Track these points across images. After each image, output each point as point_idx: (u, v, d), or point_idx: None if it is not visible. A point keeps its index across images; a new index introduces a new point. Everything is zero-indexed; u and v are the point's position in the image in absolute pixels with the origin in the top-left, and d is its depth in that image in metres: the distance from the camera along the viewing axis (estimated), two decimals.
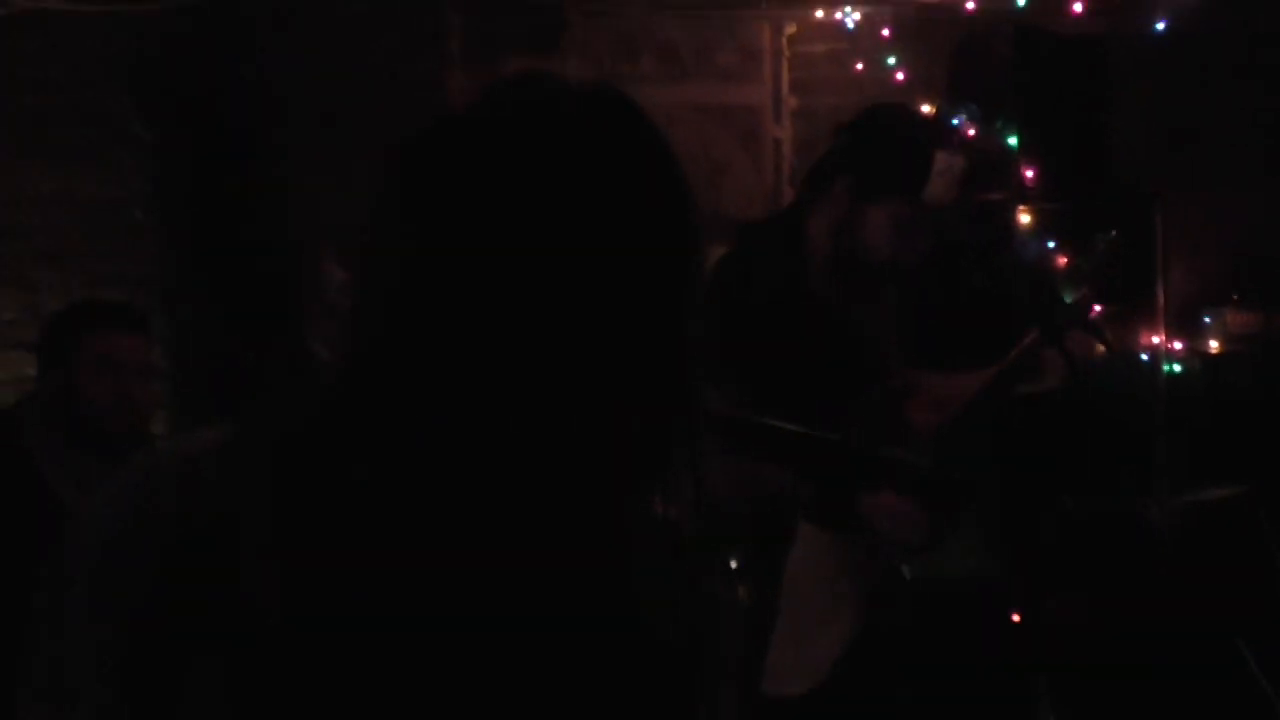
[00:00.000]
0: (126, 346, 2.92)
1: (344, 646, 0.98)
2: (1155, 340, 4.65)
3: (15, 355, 4.06)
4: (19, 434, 2.90)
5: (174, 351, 4.34)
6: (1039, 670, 3.34)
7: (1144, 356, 4.68)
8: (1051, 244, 4.44)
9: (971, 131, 4.45)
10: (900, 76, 4.60)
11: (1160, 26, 4.16)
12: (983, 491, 3.07)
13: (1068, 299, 3.18)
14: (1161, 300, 4.72)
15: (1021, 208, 4.51)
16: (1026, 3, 4.17)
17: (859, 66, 4.68)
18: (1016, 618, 3.44)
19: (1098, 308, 3.22)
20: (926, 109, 4.50)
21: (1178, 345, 4.68)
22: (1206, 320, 4.74)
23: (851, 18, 4.59)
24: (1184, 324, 4.74)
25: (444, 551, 0.99)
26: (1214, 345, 4.70)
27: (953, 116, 4.55)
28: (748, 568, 2.94)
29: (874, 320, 3.04)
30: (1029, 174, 4.46)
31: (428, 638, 0.99)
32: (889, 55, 4.61)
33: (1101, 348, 3.23)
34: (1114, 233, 3.21)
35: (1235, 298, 4.75)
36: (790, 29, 4.84)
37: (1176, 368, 4.66)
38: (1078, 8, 4.08)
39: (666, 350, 1.04)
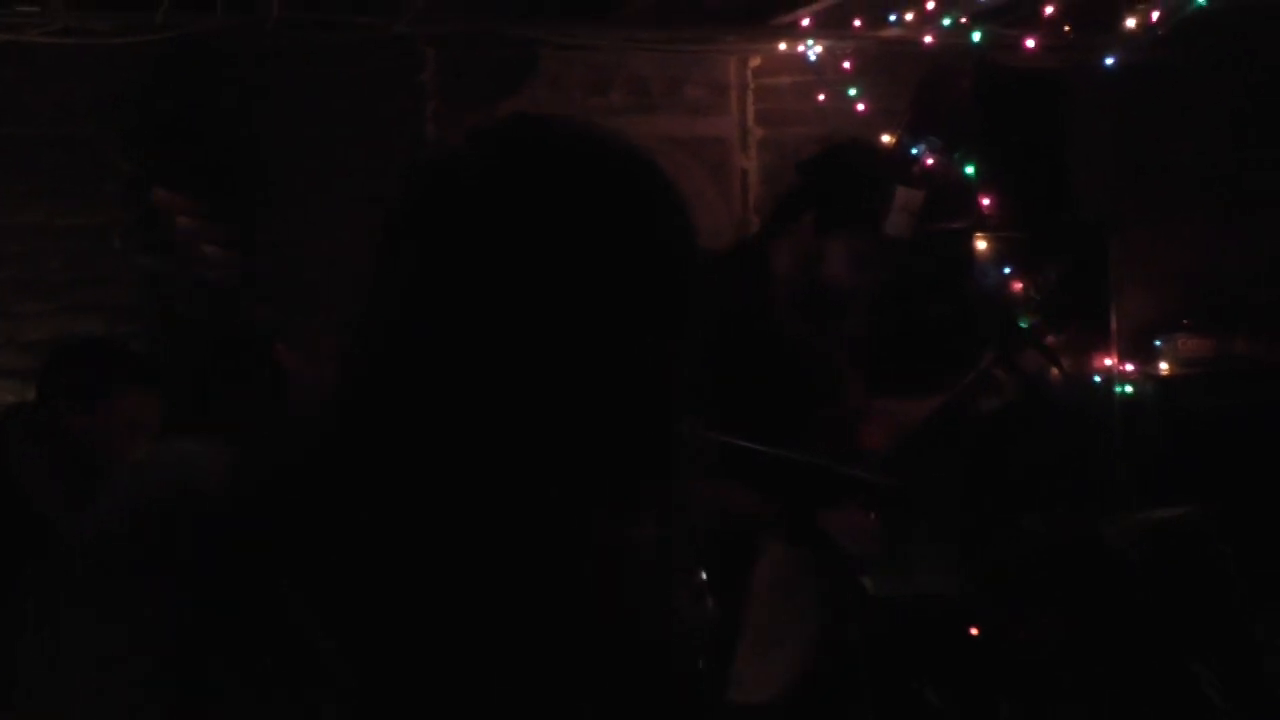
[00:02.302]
0: (152, 407, 2.90)
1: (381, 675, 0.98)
2: (1109, 363, 4.66)
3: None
4: (4, 451, 2.87)
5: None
6: (999, 686, 3.33)
7: (1097, 379, 4.69)
8: (1008, 270, 4.45)
9: (930, 161, 4.46)
10: (861, 108, 4.61)
11: (1109, 62, 4.17)
12: (939, 510, 3.06)
13: (1023, 324, 3.20)
14: (1115, 325, 4.73)
15: (979, 235, 4.53)
16: (983, 38, 4.17)
17: (822, 98, 4.68)
18: (974, 631, 3.43)
19: (1049, 334, 3.24)
20: (887, 139, 4.51)
21: (1130, 368, 4.70)
22: (1158, 344, 4.75)
23: (814, 50, 4.59)
24: (1137, 348, 4.76)
25: (444, 578, 1.00)
26: (1165, 368, 4.71)
27: (913, 147, 4.56)
28: (714, 581, 2.94)
29: (832, 347, 3.05)
30: (986, 202, 4.47)
31: (440, 660, 0.99)
32: (851, 87, 4.61)
33: (1055, 371, 3.24)
34: (1065, 262, 3.24)
35: (1186, 323, 4.76)
36: (755, 61, 4.83)
37: (1129, 389, 4.67)
38: (1030, 44, 4.09)
39: (654, 381, 1.05)
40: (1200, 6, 3.71)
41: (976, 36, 4.16)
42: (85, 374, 2.90)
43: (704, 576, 3.03)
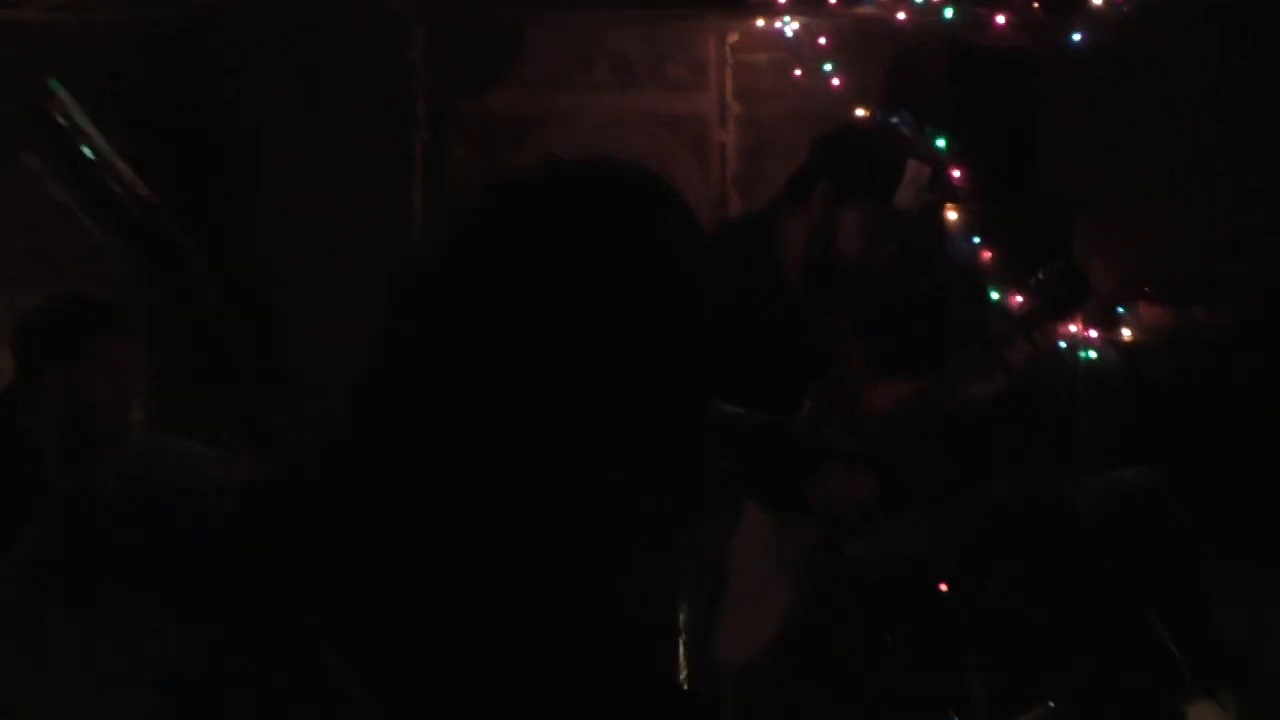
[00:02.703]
0: (130, 353, 2.90)
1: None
2: (1074, 330, 4.69)
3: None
4: (12, 418, 2.87)
5: (150, 347, 4.30)
6: (968, 642, 3.36)
7: (1063, 344, 4.72)
8: (977, 240, 4.48)
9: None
10: (837, 83, 4.61)
11: (1076, 39, 4.18)
12: (916, 476, 3.08)
13: (996, 298, 3.23)
14: None
15: (949, 207, 4.55)
16: (954, 15, 4.18)
17: (798, 74, 4.69)
18: (944, 587, 3.47)
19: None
20: (861, 113, 4.52)
21: (1094, 334, 4.73)
22: (1121, 312, 4.78)
23: (790, 27, 4.60)
24: (1100, 315, 4.79)
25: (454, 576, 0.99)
26: (1127, 335, 4.74)
27: (887, 121, 4.57)
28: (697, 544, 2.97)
29: (837, 317, 3.06)
30: (956, 175, 4.49)
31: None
32: (826, 63, 4.62)
33: (1029, 348, 3.26)
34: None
35: (1148, 292, 4.79)
36: (733, 38, 4.84)
37: (1093, 355, 4.70)
38: (1000, 20, 4.10)
39: (671, 377, 1.06)
40: None
41: (949, 14, 4.16)
42: (59, 331, 2.88)
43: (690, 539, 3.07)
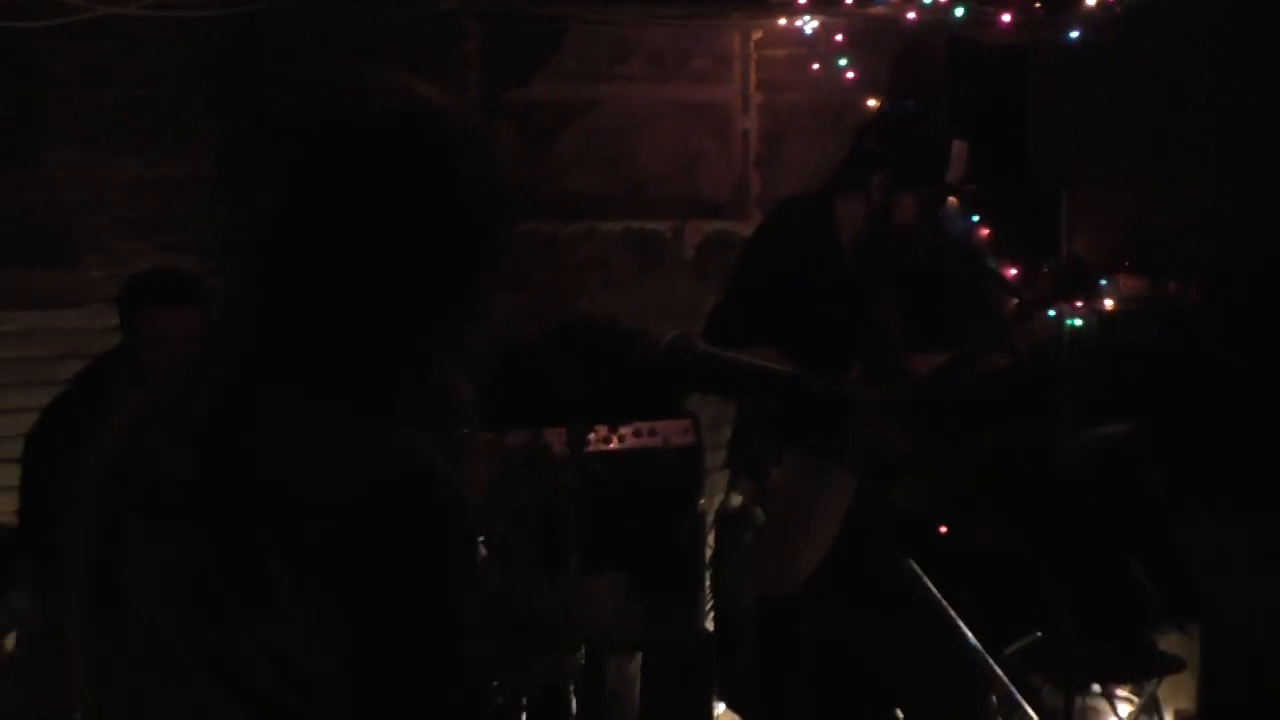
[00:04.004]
0: (179, 320, 2.86)
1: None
2: (1060, 300, 4.71)
3: (100, 308, 4.05)
4: (105, 384, 2.90)
5: None
6: (961, 578, 3.39)
7: (1051, 313, 4.73)
8: (975, 218, 4.49)
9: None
10: (850, 76, 4.62)
11: (1074, 35, 4.17)
12: (943, 433, 3.11)
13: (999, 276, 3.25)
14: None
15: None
16: (964, 14, 4.17)
17: (815, 67, 4.68)
18: (943, 530, 3.49)
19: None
20: (872, 103, 4.52)
21: (1078, 304, 4.74)
22: (1103, 284, 4.79)
23: (810, 25, 4.59)
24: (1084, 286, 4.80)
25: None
26: (1109, 304, 4.75)
27: (894, 110, 4.56)
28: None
29: (884, 293, 3.09)
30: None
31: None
32: (841, 58, 4.62)
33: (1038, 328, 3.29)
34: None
35: (1127, 265, 4.80)
36: (757, 35, 4.83)
37: (1077, 322, 4.71)
38: (1006, 18, 4.09)
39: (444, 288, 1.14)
40: None
41: (959, 12, 4.15)
42: (122, 301, 2.94)
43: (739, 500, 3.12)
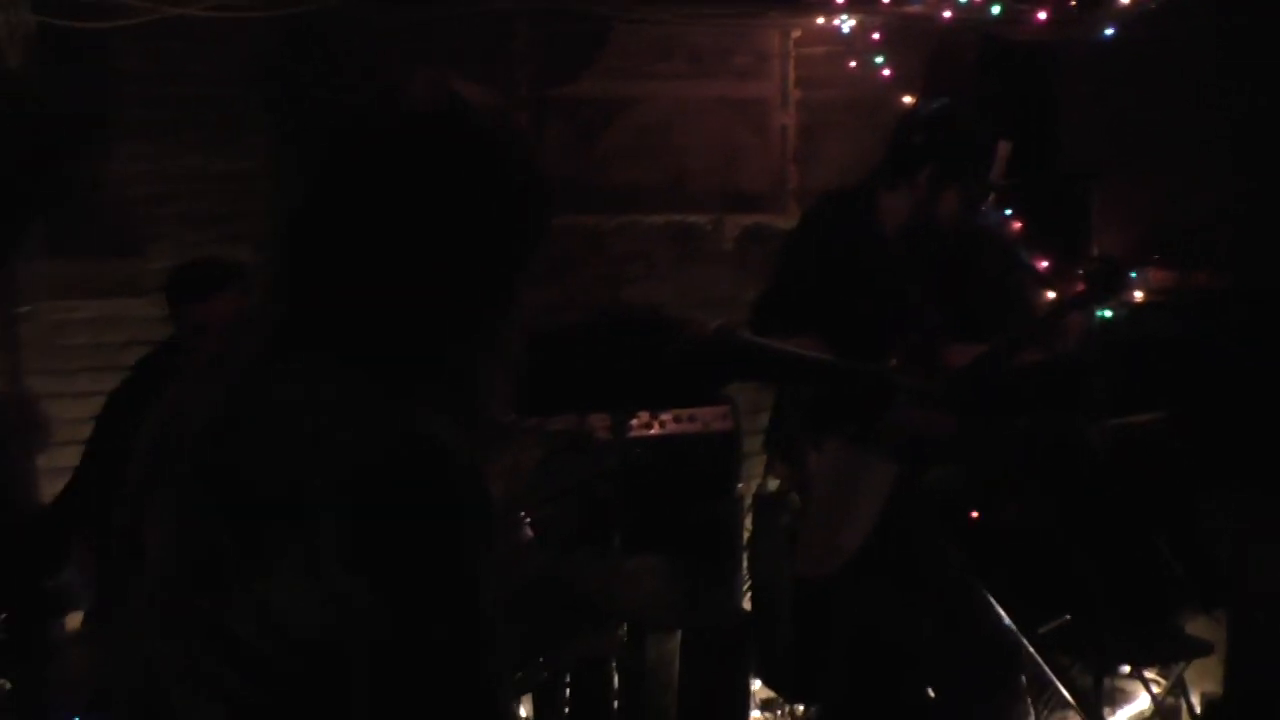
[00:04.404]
0: (216, 309, 2.88)
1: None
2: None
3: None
4: (166, 370, 2.90)
5: None
6: (994, 557, 3.36)
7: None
8: (1008, 212, 4.43)
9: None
10: (886, 73, 4.57)
11: (1109, 33, 4.10)
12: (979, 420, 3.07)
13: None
14: (1096, 259, 4.71)
15: None
16: (1000, 12, 4.11)
17: (852, 65, 4.64)
18: (975, 515, 3.46)
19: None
20: (907, 100, 4.47)
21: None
22: (1132, 275, 4.72)
23: (847, 24, 4.55)
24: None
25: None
26: (1138, 296, 4.68)
27: (923, 107, 4.51)
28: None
29: (925, 282, 3.06)
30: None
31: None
32: (877, 56, 4.57)
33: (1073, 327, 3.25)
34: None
35: (1155, 258, 4.73)
36: (796, 34, 4.80)
37: (1107, 314, 4.65)
38: (1042, 16, 4.03)
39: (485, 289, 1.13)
40: None
41: (995, 10, 4.09)
42: (168, 292, 2.98)
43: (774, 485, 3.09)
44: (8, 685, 1.64)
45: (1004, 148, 2.98)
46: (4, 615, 1.59)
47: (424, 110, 1.10)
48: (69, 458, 3.39)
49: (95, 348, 4.18)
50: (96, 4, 3.79)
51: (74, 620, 3.05)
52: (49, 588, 1.79)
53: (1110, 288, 3.05)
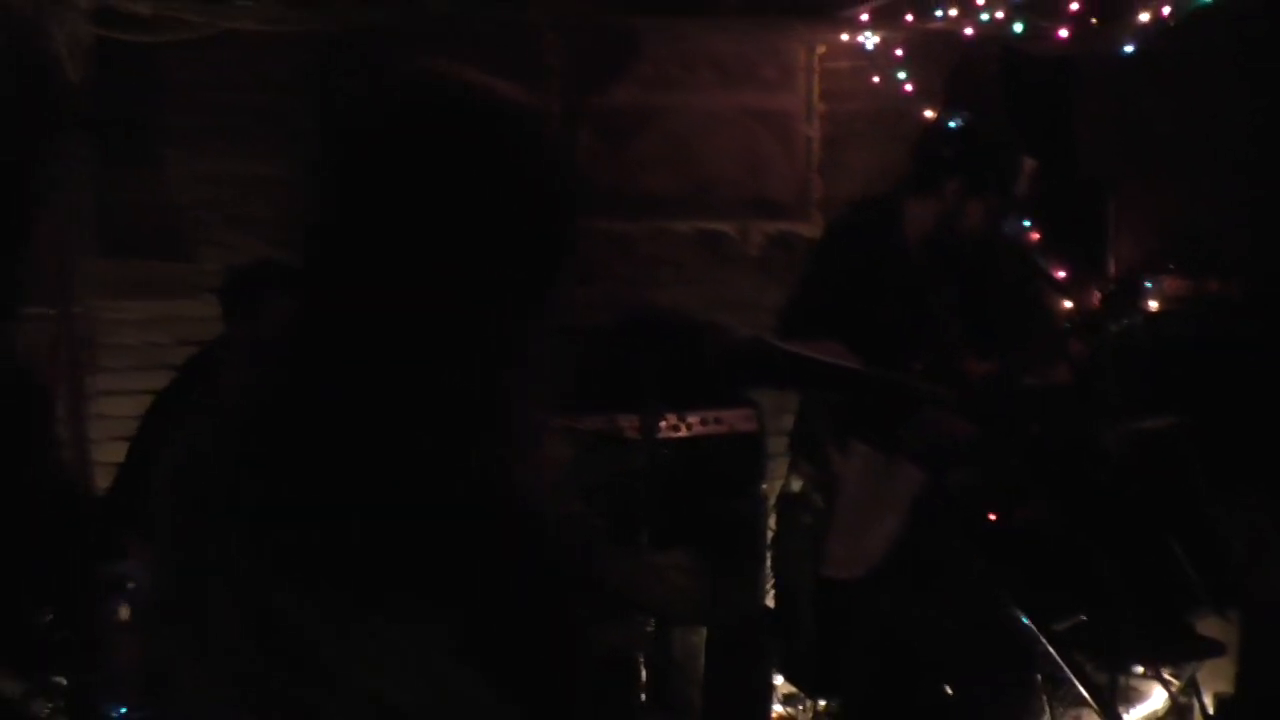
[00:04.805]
0: (269, 311, 2.87)
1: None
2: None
3: (213, 298, 4.08)
4: (213, 371, 2.89)
5: None
6: (1011, 563, 3.32)
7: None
8: (1027, 223, 4.39)
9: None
10: (908, 87, 4.53)
11: (1129, 49, 4.06)
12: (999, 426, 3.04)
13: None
14: (1112, 268, 4.67)
15: None
16: (1023, 29, 4.06)
17: (875, 79, 4.61)
18: (992, 517, 3.42)
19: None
20: (929, 114, 4.44)
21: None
22: (1148, 285, 4.67)
23: (871, 40, 4.52)
24: (1129, 287, 4.69)
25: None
26: (1153, 305, 4.63)
27: (949, 119, 4.48)
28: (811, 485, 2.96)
29: (947, 292, 3.03)
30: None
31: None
32: (900, 70, 4.53)
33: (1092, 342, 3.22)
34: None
35: (1171, 267, 4.68)
36: (821, 48, 4.78)
37: (1124, 320, 4.61)
38: (1064, 33, 3.99)
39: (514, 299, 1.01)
40: (1205, 4, 3.59)
41: (1018, 27, 4.05)
42: (241, 291, 2.98)
43: (796, 487, 3.06)
44: (63, 681, 1.64)
45: (1029, 165, 2.94)
46: (51, 615, 1.60)
47: (452, 107, 1.01)
48: (120, 453, 3.42)
49: (145, 347, 4.21)
50: (150, 18, 3.81)
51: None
52: (103, 577, 1.79)
53: (1128, 305, 3.02)
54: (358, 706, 0.92)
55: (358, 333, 0.98)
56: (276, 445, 0.97)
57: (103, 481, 3.48)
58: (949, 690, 3.25)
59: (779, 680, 3.87)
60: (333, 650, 0.93)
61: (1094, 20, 3.98)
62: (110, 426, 3.86)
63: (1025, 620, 3.24)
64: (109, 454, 3.66)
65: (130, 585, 2.03)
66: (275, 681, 0.95)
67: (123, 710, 1.68)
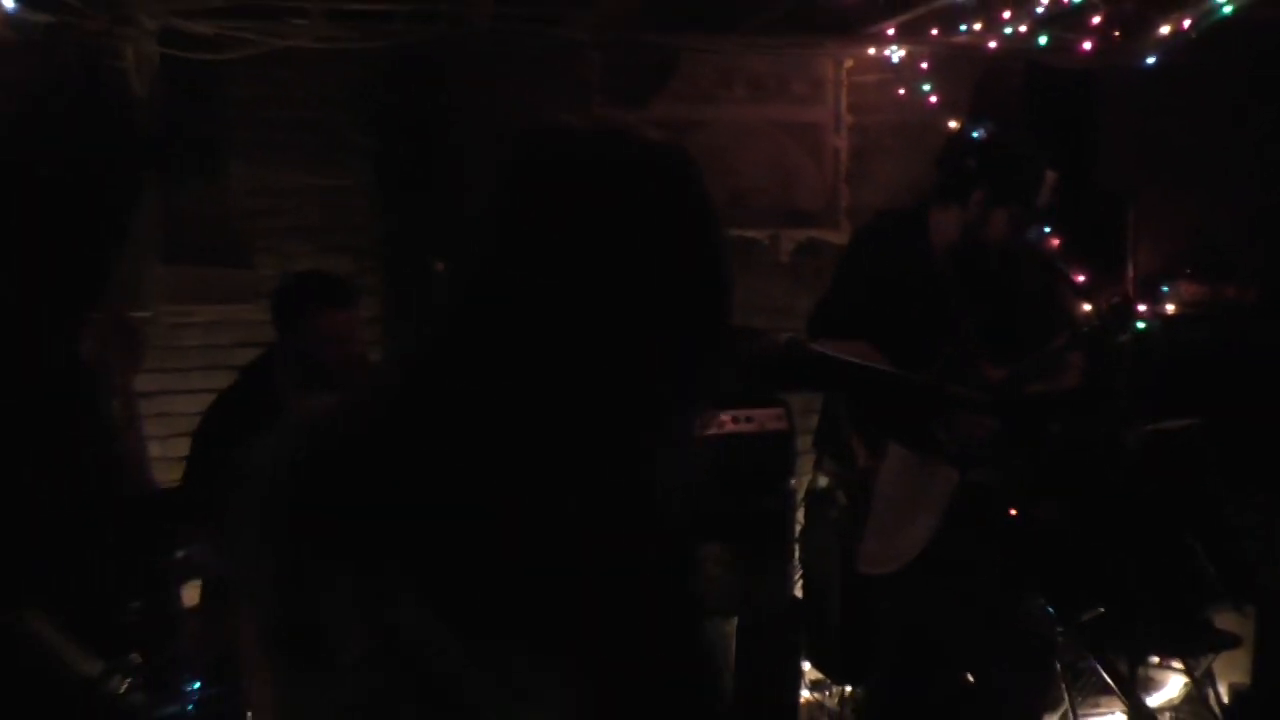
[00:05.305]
0: (343, 321, 2.83)
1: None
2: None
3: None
4: (270, 373, 2.92)
5: (386, 300, 4.38)
6: (1032, 558, 3.31)
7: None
8: (1047, 229, 4.36)
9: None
10: (933, 100, 4.52)
11: (1150, 61, 4.03)
12: (1018, 424, 3.02)
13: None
14: (1132, 273, 4.64)
15: None
16: (1047, 42, 4.03)
17: (901, 92, 4.60)
18: (1013, 512, 3.41)
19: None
20: (953, 124, 4.42)
21: (1143, 308, 4.60)
22: (1165, 290, 4.65)
23: (896, 54, 4.51)
24: (1148, 292, 4.66)
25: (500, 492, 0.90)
26: (1171, 309, 4.60)
27: (973, 131, 4.46)
28: (840, 481, 2.95)
29: (969, 297, 3.02)
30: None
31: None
32: (924, 83, 4.52)
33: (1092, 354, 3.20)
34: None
35: (1188, 273, 4.64)
36: (848, 63, 4.77)
37: (1141, 325, 4.58)
38: (1087, 46, 3.96)
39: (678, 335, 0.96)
40: (1224, 17, 3.55)
41: (1042, 40, 4.02)
42: (287, 301, 2.89)
43: (824, 482, 3.05)
44: (138, 658, 1.69)
45: (1051, 176, 2.92)
46: (131, 601, 1.64)
47: (643, 163, 0.97)
48: (183, 448, 3.46)
49: (207, 349, 4.25)
50: (212, 37, 3.86)
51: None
52: (172, 562, 1.83)
53: (1119, 328, 3.00)
54: None
55: (530, 351, 0.92)
56: (432, 456, 0.91)
57: (162, 474, 3.53)
58: (970, 678, 3.24)
59: (807, 667, 3.87)
60: (475, 683, 0.86)
61: (1116, 34, 3.95)
62: (173, 423, 3.91)
63: (1050, 610, 3.23)
64: (173, 449, 3.71)
65: (197, 570, 2.07)
66: (405, 714, 0.89)
67: (195, 686, 1.72)
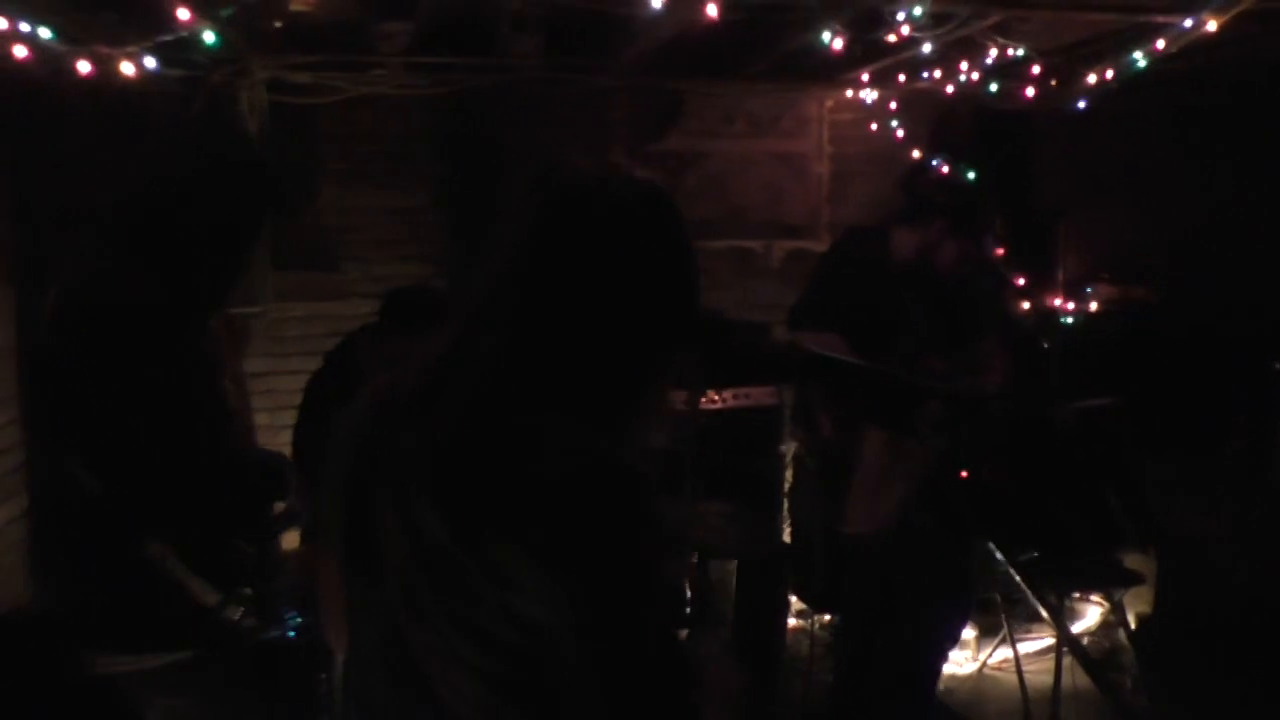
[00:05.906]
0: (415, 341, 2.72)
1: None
2: (1056, 302, 4.53)
3: (355, 302, 4.14)
4: (354, 352, 2.91)
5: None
6: (979, 510, 3.28)
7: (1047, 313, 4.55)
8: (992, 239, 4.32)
9: (945, 169, 4.32)
10: (900, 134, 4.48)
11: (1081, 105, 3.98)
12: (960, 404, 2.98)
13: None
14: (1061, 277, 4.59)
15: None
16: (998, 90, 3.99)
17: (873, 128, 4.56)
18: (964, 474, 3.38)
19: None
20: (916, 155, 4.37)
21: (1070, 305, 4.56)
22: (1088, 291, 4.60)
23: (870, 96, 4.47)
24: (1073, 293, 4.61)
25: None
26: (1093, 306, 4.55)
27: (932, 160, 4.41)
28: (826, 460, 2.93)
29: (920, 305, 2.99)
30: None
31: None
32: (892, 121, 4.48)
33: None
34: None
35: (1106, 277, 4.59)
36: (830, 103, 4.73)
37: (1068, 320, 4.53)
38: (1029, 92, 3.91)
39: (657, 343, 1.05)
40: (1140, 70, 3.51)
41: (992, 87, 3.97)
42: (408, 313, 2.78)
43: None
44: (249, 591, 1.69)
45: (999, 219, 2.89)
46: (245, 543, 1.65)
47: (636, 198, 1.05)
48: (286, 418, 3.47)
49: (303, 338, 4.27)
50: (309, 85, 3.85)
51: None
52: (278, 512, 1.84)
53: (1046, 329, 2.95)
54: (496, 619, 0.94)
55: (559, 372, 1.00)
56: (471, 442, 0.98)
57: (270, 439, 3.54)
58: (926, 609, 3.22)
59: (793, 599, 3.86)
60: (478, 571, 0.94)
61: (1053, 82, 3.89)
62: (278, 399, 3.93)
63: (996, 554, 3.20)
64: (280, 419, 3.73)
65: (296, 519, 2.07)
66: (423, 601, 0.97)
67: (293, 615, 1.73)
